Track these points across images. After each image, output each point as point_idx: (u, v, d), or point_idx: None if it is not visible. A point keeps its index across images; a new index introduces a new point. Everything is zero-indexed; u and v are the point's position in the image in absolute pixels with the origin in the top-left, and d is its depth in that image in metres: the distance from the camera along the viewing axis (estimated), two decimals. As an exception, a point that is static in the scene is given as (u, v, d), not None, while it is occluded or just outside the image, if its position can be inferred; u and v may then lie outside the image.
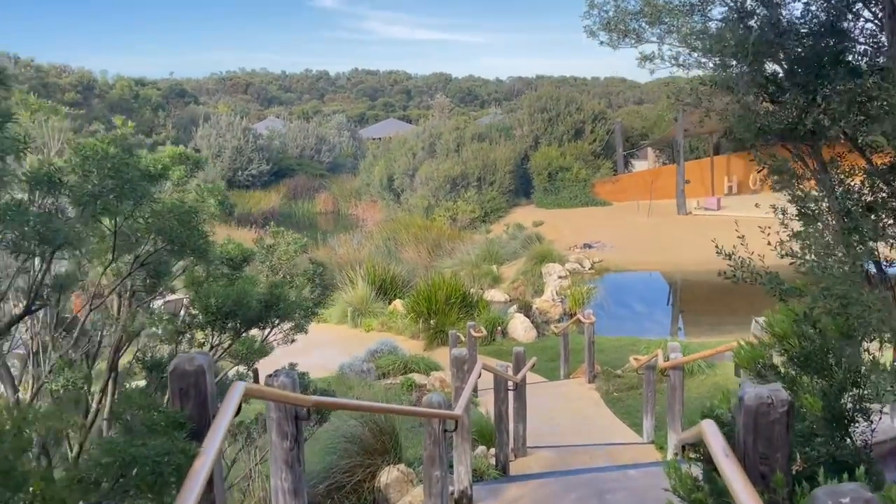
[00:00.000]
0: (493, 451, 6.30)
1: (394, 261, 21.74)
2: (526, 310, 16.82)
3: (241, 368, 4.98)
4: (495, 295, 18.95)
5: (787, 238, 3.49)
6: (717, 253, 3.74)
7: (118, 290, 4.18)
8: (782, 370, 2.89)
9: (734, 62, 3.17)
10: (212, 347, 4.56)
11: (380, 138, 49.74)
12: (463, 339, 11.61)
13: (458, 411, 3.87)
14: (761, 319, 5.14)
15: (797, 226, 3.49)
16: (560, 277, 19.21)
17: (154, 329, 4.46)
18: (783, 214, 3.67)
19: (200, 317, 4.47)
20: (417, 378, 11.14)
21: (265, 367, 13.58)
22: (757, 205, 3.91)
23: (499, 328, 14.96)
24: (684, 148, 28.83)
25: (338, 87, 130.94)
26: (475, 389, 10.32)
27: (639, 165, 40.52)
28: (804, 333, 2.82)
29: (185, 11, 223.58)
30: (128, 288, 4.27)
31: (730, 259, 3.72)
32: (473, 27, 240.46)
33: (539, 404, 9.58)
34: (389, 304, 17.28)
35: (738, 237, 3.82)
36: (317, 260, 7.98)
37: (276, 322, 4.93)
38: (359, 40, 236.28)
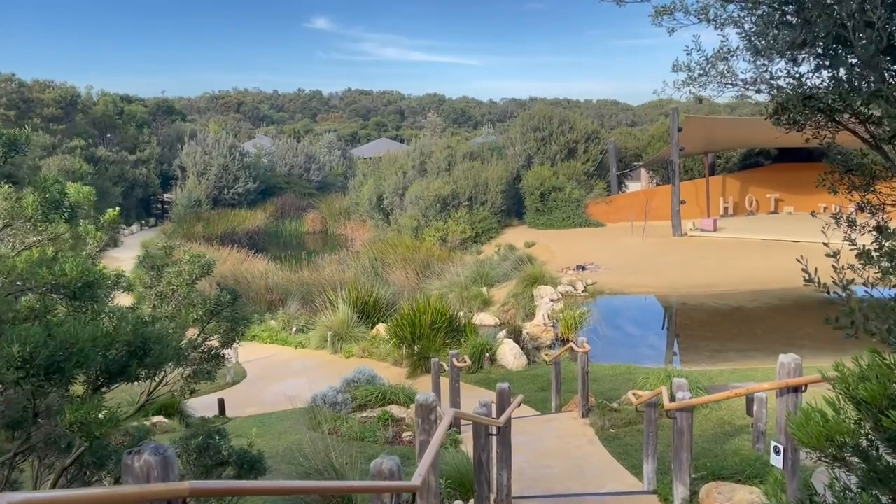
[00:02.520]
0: (472, 505, 5.42)
1: (380, 282, 20.87)
2: (516, 334, 15.95)
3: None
4: (484, 318, 18.07)
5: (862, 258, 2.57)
6: (805, 280, 2.74)
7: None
8: (876, 454, 1.99)
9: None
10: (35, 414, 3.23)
11: (371, 157, 49.06)
12: (447, 368, 10.72)
13: (417, 480, 3.00)
14: (788, 359, 4.29)
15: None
16: (552, 300, 18.35)
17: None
18: (852, 227, 2.78)
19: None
20: (396, 411, 10.23)
21: (234, 396, 12.53)
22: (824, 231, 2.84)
23: (487, 355, 14.05)
24: (679, 168, 28.15)
25: (330, 106, 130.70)
26: (457, 424, 9.41)
27: (632, 186, 39.91)
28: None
29: (180, 33, 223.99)
30: None
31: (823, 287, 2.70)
32: (467, 50, 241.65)
33: (527, 443, 8.68)
34: (372, 328, 16.38)
35: (798, 260, 2.83)
36: (228, 286, 6.64)
37: (147, 374, 3.75)
38: (353, 62, 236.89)
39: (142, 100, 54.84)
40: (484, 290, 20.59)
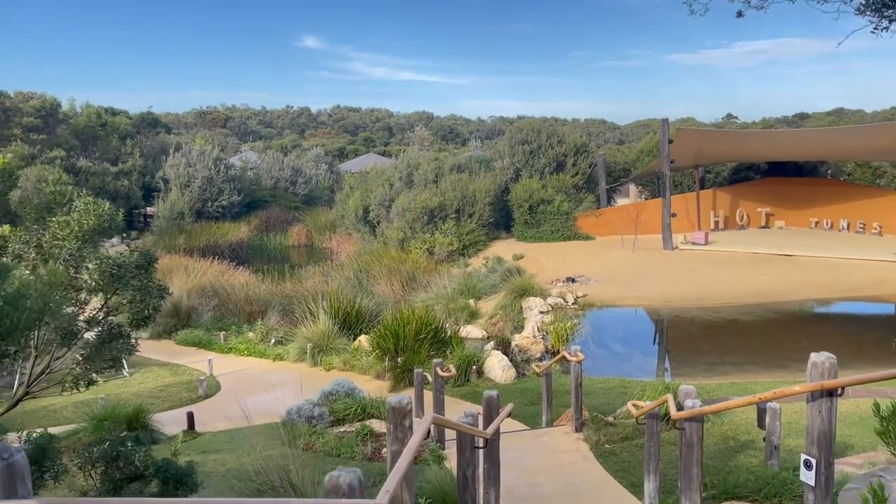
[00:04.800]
0: (454, 529, 4.76)
1: (365, 294, 20.17)
2: (504, 347, 15.29)
3: None
4: (472, 331, 17.43)
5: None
6: None
7: None
8: None
9: None
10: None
11: (358, 171, 48.50)
12: (431, 380, 10.06)
13: (383, 498, 2.36)
14: (822, 358, 3.69)
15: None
16: (541, 312, 17.75)
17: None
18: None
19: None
20: (376, 425, 9.54)
21: (205, 410, 11.79)
22: None
23: (474, 367, 13.38)
24: (670, 181, 27.75)
25: (319, 122, 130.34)
26: (440, 439, 8.73)
27: (620, 202, 39.52)
28: None
29: (169, 50, 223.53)
30: None
31: None
32: (455, 70, 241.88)
33: (517, 459, 8.02)
34: (354, 339, 15.69)
35: None
36: (141, 249, 5.26)
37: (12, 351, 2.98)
38: (342, 80, 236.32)
39: (127, 112, 54.09)
40: (471, 302, 19.97)
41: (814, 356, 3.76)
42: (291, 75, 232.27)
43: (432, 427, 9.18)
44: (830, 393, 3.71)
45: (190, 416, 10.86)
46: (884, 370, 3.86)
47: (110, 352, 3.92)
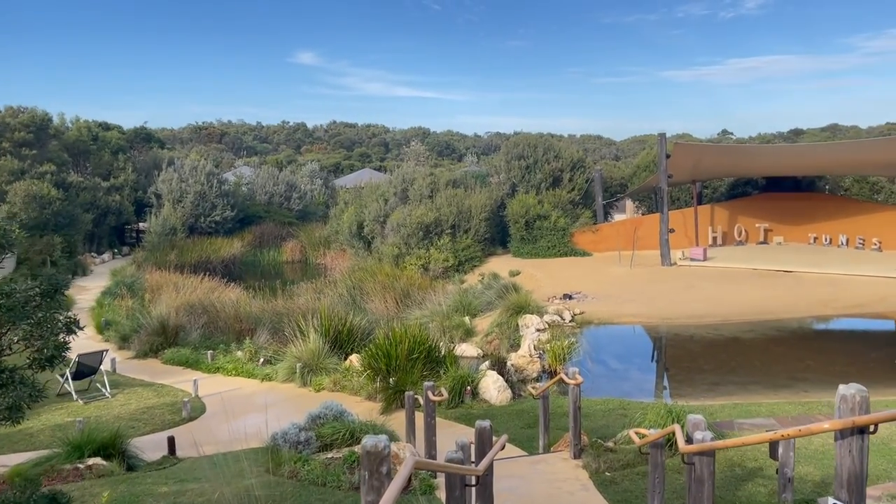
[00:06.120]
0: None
1: (358, 311, 19.71)
2: (500, 366, 14.86)
3: None
4: (466, 349, 16.98)
5: None
6: None
7: None
8: None
9: None
10: None
11: (354, 186, 48.18)
12: (423, 402, 9.61)
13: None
14: (852, 391, 3.28)
15: None
16: (538, 330, 17.33)
17: None
18: None
19: None
20: (365, 451, 9.06)
21: (188, 434, 11.30)
22: None
23: (468, 388, 12.93)
24: (667, 196, 27.43)
25: (315, 138, 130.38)
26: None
27: (617, 217, 39.22)
28: None
29: (166, 66, 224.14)
30: None
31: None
32: (452, 85, 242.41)
33: (513, 489, 7.58)
34: (345, 359, 15.23)
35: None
36: (48, 273, 4.67)
37: None
38: (338, 96, 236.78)
39: (120, 127, 53.75)
40: (466, 319, 19.53)
41: (843, 389, 3.36)
42: (287, 91, 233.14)
43: (419, 452, 8.73)
44: (862, 430, 3.30)
45: (171, 441, 10.39)
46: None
47: (5, 399, 3.41)
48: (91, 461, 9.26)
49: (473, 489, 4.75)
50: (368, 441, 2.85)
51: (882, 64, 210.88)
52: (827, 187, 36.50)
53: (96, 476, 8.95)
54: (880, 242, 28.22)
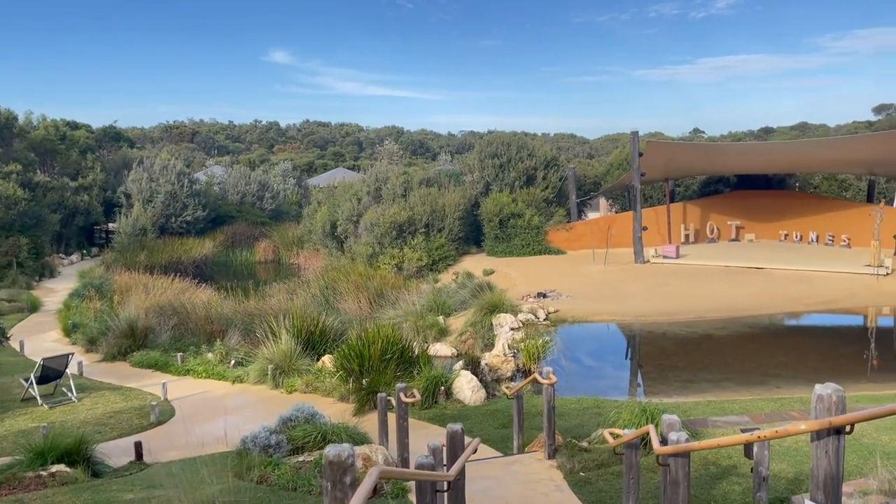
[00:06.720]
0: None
1: (332, 312, 19.48)
2: (474, 366, 14.74)
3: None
4: (441, 349, 16.87)
5: None
6: None
7: None
8: None
9: None
10: None
11: (327, 186, 47.82)
12: (395, 403, 9.46)
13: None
14: (828, 391, 3.23)
15: None
16: (512, 329, 17.27)
17: None
18: None
19: None
20: (337, 454, 8.89)
21: (157, 438, 11.04)
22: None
23: (442, 388, 12.81)
24: (640, 194, 27.56)
25: (288, 137, 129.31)
26: (404, 463, 8.14)
27: (591, 215, 39.39)
28: None
29: (137, 65, 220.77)
30: None
31: None
32: (426, 84, 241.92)
33: (486, 491, 7.48)
34: (318, 360, 15.02)
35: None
36: None
37: None
38: (311, 95, 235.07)
39: (89, 126, 52.78)
40: (441, 318, 19.41)
41: (819, 389, 3.29)
42: (260, 90, 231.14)
43: (391, 455, 8.60)
44: (838, 431, 3.24)
45: (138, 446, 10.13)
46: (886, 405, 3.41)
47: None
48: (55, 468, 8.97)
49: (446, 494, 4.63)
50: (331, 451, 2.72)
51: (849, 64, 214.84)
52: (797, 185, 37.00)
53: (60, 484, 8.67)
54: (849, 239, 28.64)
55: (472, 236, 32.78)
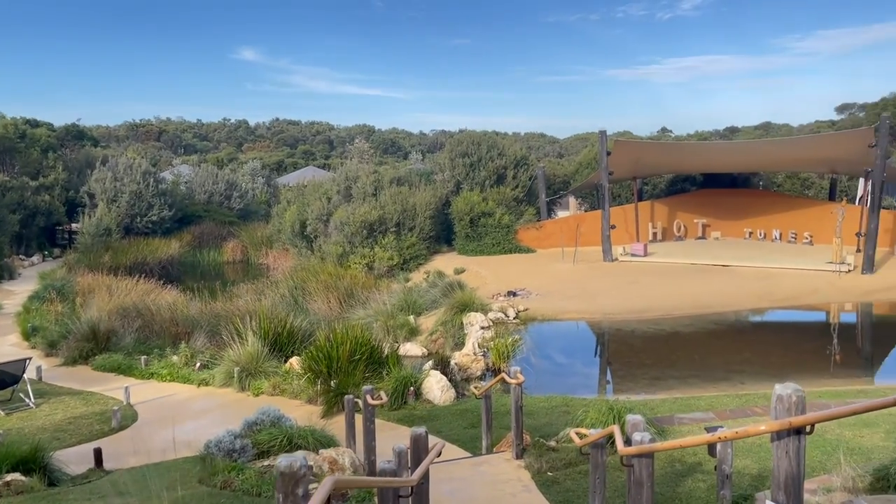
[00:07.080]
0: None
1: (300, 312, 19.28)
2: (444, 365, 14.70)
3: None
4: (411, 349, 16.78)
5: None
6: None
7: None
8: None
9: None
10: None
11: (297, 185, 47.40)
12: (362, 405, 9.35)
13: None
14: (788, 391, 3.22)
15: None
16: (483, 328, 17.24)
17: None
18: None
19: None
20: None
21: (118, 444, 10.79)
22: None
23: (412, 388, 12.74)
24: (609, 193, 27.74)
25: (257, 136, 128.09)
26: (371, 471, 8.04)
27: (561, 214, 39.59)
28: None
29: (101, 62, 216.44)
30: None
31: None
32: (397, 83, 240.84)
33: (454, 492, 7.42)
34: (285, 361, 14.84)
35: None
36: None
37: None
38: (281, 93, 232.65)
39: (50, 124, 51.63)
40: (411, 318, 19.32)
41: (779, 388, 3.28)
42: (229, 88, 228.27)
43: (359, 458, 8.50)
44: (798, 431, 3.23)
45: (97, 453, 9.88)
46: (847, 400, 3.42)
47: None
48: (9, 477, 8.71)
49: (410, 499, 4.55)
50: (282, 461, 2.63)
51: (811, 64, 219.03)
52: (761, 183, 37.58)
53: (14, 493, 8.42)
54: (811, 236, 29.15)
55: (443, 235, 32.73)
